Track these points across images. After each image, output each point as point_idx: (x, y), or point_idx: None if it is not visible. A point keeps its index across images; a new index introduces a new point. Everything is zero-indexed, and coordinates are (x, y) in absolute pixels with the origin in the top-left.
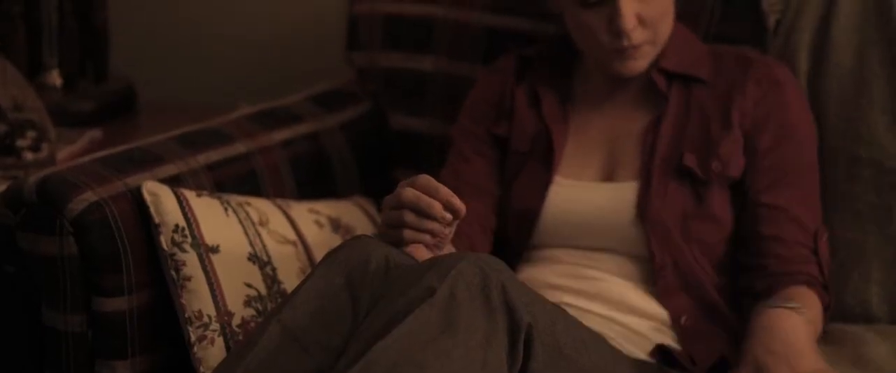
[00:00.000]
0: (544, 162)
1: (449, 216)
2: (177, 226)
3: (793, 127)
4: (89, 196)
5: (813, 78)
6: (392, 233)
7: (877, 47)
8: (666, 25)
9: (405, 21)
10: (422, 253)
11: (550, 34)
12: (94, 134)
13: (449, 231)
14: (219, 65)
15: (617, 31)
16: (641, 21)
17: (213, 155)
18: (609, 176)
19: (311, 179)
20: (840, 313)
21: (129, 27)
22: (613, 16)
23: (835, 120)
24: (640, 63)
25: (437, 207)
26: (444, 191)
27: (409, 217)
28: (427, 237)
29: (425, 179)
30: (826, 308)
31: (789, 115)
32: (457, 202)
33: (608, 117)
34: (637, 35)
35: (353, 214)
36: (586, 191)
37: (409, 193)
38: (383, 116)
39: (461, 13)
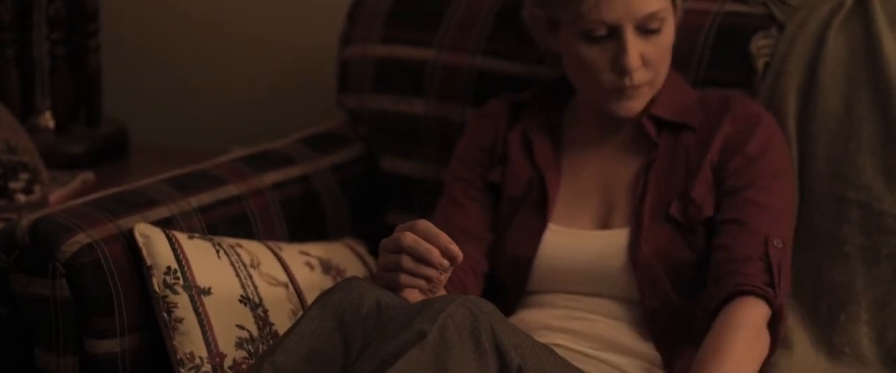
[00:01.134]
0: (538, 209)
1: (446, 263)
2: (169, 268)
3: (756, 154)
4: (82, 238)
5: (801, 121)
6: (388, 276)
7: (864, 89)
8: (665, 68)
9: (396, 64)
10: (415, 297)
11: (541, 78)
12: (87, 176)
13: (444, 277)
14: (210, 108)
15: (621, 69)
16: (644, 61)
17: (205, 197)
18: (602, 223)
19: (302, 222)
20: (830, 355)
21: (121, 70)
22: (618, 53)
23: (823, 163)
24: (636, 104)
25: (436, 254)
26: (444, 237)
27: (407, 262)
28: (422, 283)
29: (424, 224)
30: (775, 312)
31: (751, 145)
32: (454, 249)
33: (600, 163)
34: (639, 75)
35: (345, 257)
36: (580, 238)
37: (408, 237)
38: (374, 158)
39: (452, 56)
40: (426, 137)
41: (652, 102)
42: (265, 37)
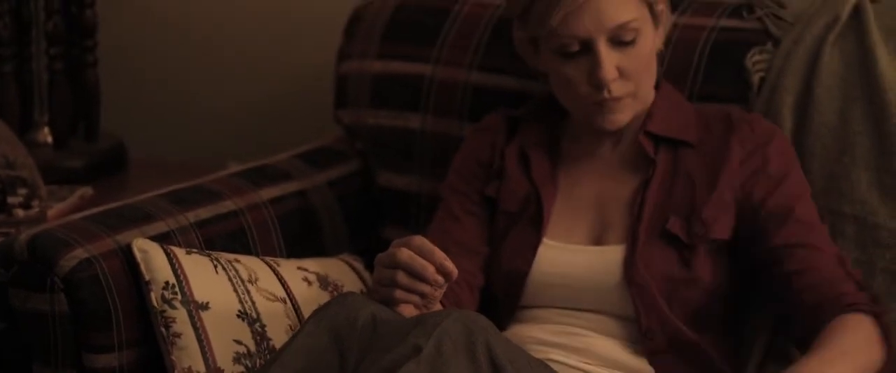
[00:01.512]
0: (533, 224)
1: (441, 279)
2: (167, 283)
3: (781, 173)
4: (80, 253)
5: (797, 136)
6: (383, 291)
7: (859, 104)
8: (648, 78)
9: (392, 80)
10: (410, 312)
11: (537, 93)
12: (85, 191)
13: (439, 293)
14: (208, 123)
15: (597, 83)
16: (622, 73)
17: (203, 212)
18: (597, 239)
19: (299, 237)
20: None
21: (119, 86)
22: (593, 67)
23: (818, 177)
24: (621, 116)
25: (431, 270)
26: (439, 254)
27: (402, 278)
28: (417, 299)
29: (420, 240)
30: (884, 326)
31: (772, 164)
32: (450, 266)
33: (597, 179)
34: (617, 87)
35: (342, 272)
36: (574, 254)
37: (403, 253)
38: (371, 173)
39: (448, 72)
40: (422, 153)
41: (648, 118)
42: (262, 52)
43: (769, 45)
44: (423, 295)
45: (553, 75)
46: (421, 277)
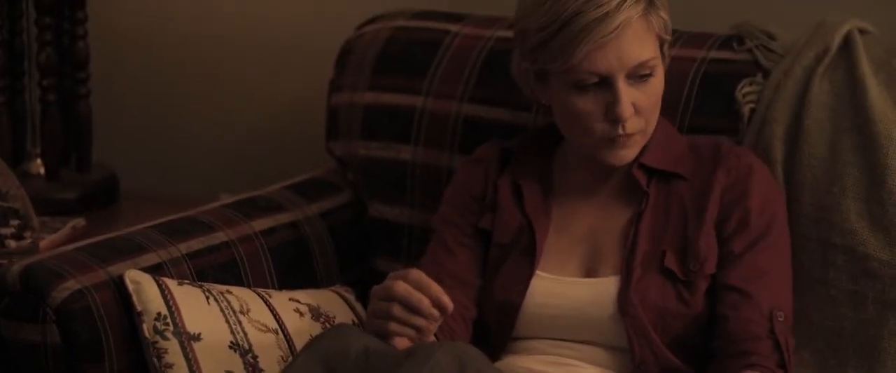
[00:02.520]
0: (526, 256)
1: (437, 313)
2: (159, 314)
3: (755, 212)
4: (72, 284)
5: (787, 167)
6: (378, 323)
7: (849, 135)
8: (656, 116)
9: (384, 111)
10: (404, 344)
11: (529, 125)
12: (77, 222)
13: (434, 326)
14: (200, 155)
15: (614, 118)
16: (636, 109)
17: (195, 244)
18: (590, 272)
19: (291, 268)
20: None
21: (111, 117)
22: (612, 102)
23: (808, 208)
24: (629, 152)
25: (426, 304)
26: (435, 288)
27: (397, 310)
28: (412, 332)
29: (417, 273)
30: None
31: (751, 200)
32: (445, 299)
33: (590, 211)
34: (632, 123)
35: (334, 303)
36: (568, 286)
37: (400, 286)
38: (363, 205)
39: (439, 104)
40: (414, 184)
41: (642, 150)
42: (254, 84)
43: (759, 77)
44: (418, 329)
45: (563, 109)
46: (417, 311)
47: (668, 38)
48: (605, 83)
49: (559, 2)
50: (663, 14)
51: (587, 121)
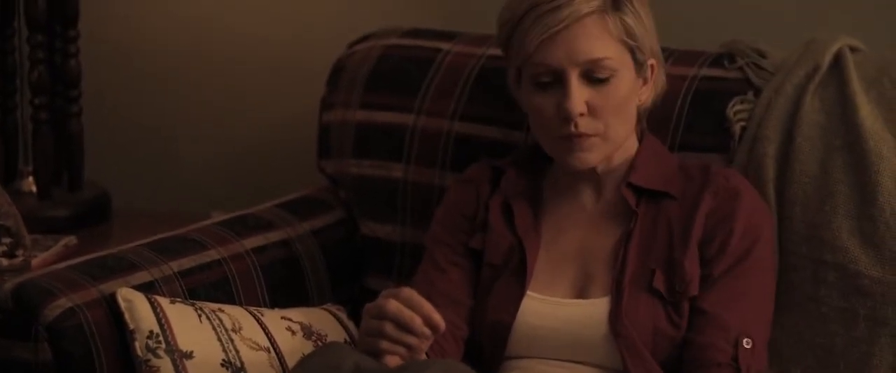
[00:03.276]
0: (517, 276)
1: (428, 332)
2: (151, 332)
3: (737, 236)
4: (64, 302)
5: (778, 185)
6: (370, 341)
7: (840, 153)
8: (620, 122)
9: (375, 129)
10: (396, 363)
11: (520, 143)
12: (69, 240)
13: (425, 345)
14: (191, 173)
15: (563, 115)
16: (591, 109)
17: (186, 262)
18: (580, 292)
19: (283, 286)
20: None
21: (103, 135)
22: (561, 98)
23: (800, 226)
24: (589, 156)
25: (418, 323)
26: (427, 306)
27: (389, 329)
28: (403, 350)
29: (408, 292)
30: None
31: (735, 224)
32: (437, 318)
33: (580, 230)
34: (584, 123)
35: (325, 321)
36: (558, 307)
37: (392, 305)
38: (354, 223)
39: (431, 122)
40: (406, 202)
41: (632, 169)
42: (246, 102)
43: (750, 95)
44: (409, 347)
45: (528, 108)
46: (408, 329)
47: (632, 42)
48: (560, 80)
49: None
50: (629, 19)
51: (543, 118)
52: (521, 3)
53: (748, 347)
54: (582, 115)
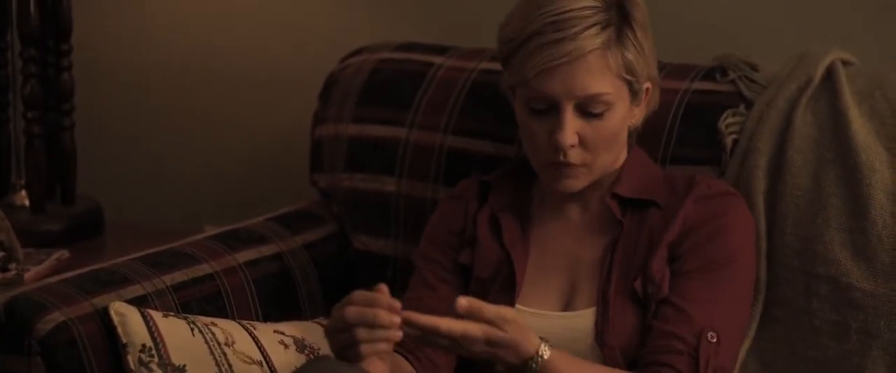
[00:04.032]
0: (506, 290)
1: (397, 319)
2: (144, 346)
3: (715, 236)
4: (57, 316)
5: (770, 198)
6: (349, 352)
7: (832, 166)
8: (609, 153)
9: (368, 143)
10: (380, 368)
11: (511, 157)
12: (62, 254)
13: (398, 333)
14: (184, 187)
15: (555, 145)
16: (582, 142)
17: (179, 276)
18: (567, 304)
19: (275, 300)
20: None
21: (96, 149)
22: (555, 128)
23: (792, 239)
24: (574, 182)
25: (383, 315)
26: (381, 297)
27: (361, 333)
28: (384, 346)
29: (359, 294)
30: None
31: (714, 224)
32: (394, 302)
33: (567, 241)
34: (574, 154)
35: (318, 335)
36: (546, 320)
37: (350, 311)
38: (347, 236)
39: (423, 136)
40: (398, 216)
41: (617, 181)
42: (239, 116)
43: (742, 108)
44: (386, 340)
45: (520, 125)
46: (376, 325)
47: (631, 78)
48: (554, 109)
49: (528, 18)
50: (630, 54)
51: (535, 141)
52: (527, 25)
53: (712, 340)
54: (573, 146)
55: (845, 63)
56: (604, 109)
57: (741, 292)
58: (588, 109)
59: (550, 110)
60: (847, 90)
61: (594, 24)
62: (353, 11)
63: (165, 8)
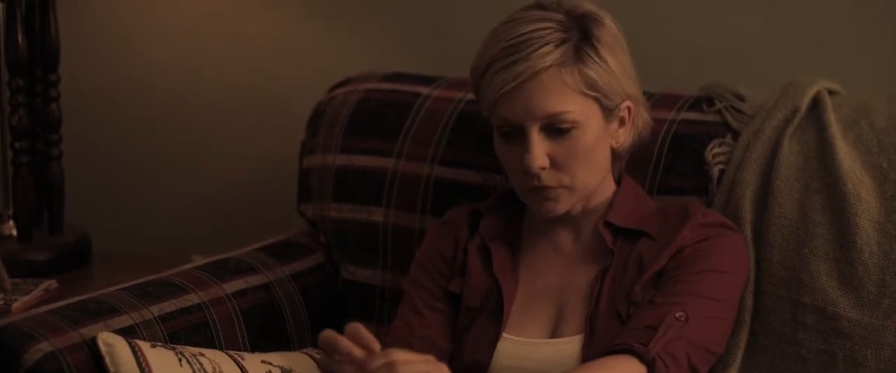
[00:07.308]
0: (494, 319)
1: (376, 346)
2: None
3: (696, 255)
4: (45, 347)
5: (756, 227)
6: None
7: (818, 196)
8: (587, 171)
9: (355, 173)
10: None
11: (499, 187)
12: (50, 284)
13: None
14: (172, 217)
15: (524, 169)
16: (553, 162)
17: (167, 306)
18: (554, 332)
19: (263, 330)
20: None
21: (83, 179)
22: (522, 152)
23: (778, 268)
24: (556, 205)
25: (357, 352)
26: (343, 340)
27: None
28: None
29: (325, 335)
30: (649, 366)
31: (701, 247)
32: (361, 331)
33: (557, 269)
34: (547, 176)
35: (306, 365)
36: (532, 348)
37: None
38: (335, 266)
39: (411, 166)
40: (386, 246)
41: (610, 209)
42: (226, 146)
43: (729, 138)
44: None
45: (498, 154)
46: (356, 361)
47: (596, 94)
48: (521, 133)
49: (488, 46)
50: (591, 71)
51: (511, 169)
52: (484, 55)
53: (681, 318)
54: (544, 168)
55: (831, 92)
56: (570, 126)
57: (723, 295)
58: (554, 127)
59: (518, 135)
60: (833, 119)
61: (547, 43)
62: (341, 42)
63: (153, 38)
